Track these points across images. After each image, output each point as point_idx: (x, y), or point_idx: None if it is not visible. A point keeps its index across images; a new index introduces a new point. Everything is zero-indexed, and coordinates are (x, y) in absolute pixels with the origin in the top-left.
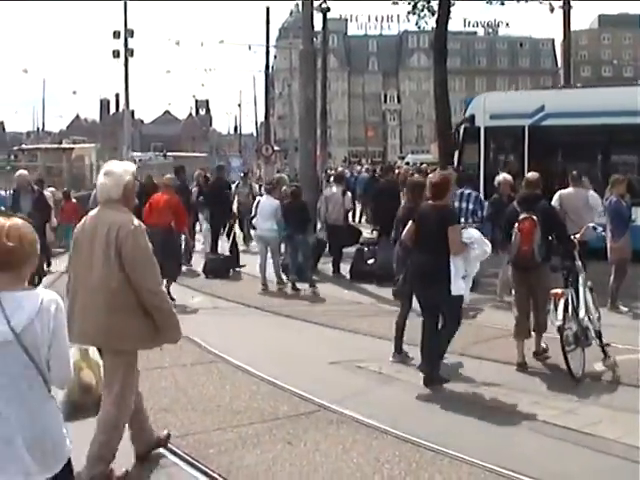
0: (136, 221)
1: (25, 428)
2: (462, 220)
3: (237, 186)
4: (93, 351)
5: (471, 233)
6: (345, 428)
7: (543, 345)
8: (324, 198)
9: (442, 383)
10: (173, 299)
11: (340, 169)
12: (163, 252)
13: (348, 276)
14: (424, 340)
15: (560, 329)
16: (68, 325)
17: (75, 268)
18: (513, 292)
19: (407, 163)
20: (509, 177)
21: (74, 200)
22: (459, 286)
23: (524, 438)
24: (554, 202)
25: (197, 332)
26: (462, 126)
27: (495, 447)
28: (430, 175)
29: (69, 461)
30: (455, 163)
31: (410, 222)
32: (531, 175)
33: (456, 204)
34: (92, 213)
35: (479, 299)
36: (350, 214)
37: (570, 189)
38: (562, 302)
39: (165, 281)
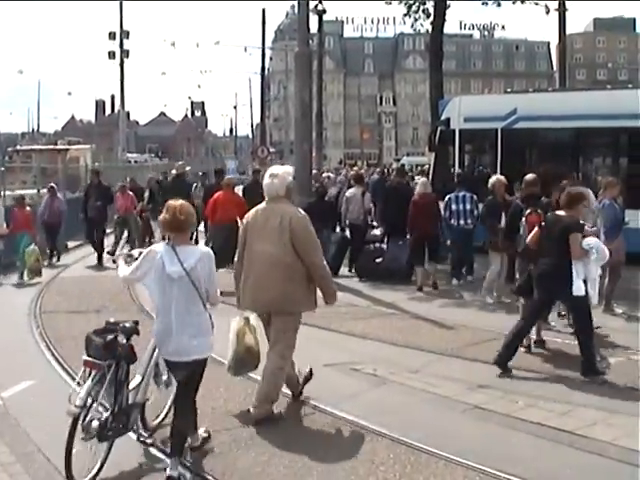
0: (302, 212)
1: (190, 326)
2: (461, 222)
3: (195, 188)
4: (255, 318)
5: (590, 241)
6: (339, 430)
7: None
8: (345, 199)
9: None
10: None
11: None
12: (228, 243)
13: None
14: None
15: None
16: (242, 296)
17: (248, 248)
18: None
19: (402, 165)
20: (503, 178)
21: (28, 208)
22: (579, 287)
23: (519, 440)
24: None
25: None
26: (438, 128)
27: (490, 449)
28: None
29: (206, 358)
30: (432, 165)
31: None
32: (530, 176)
33: (453, 206)
34: (261, 206)
35: (473, 301)
36: None
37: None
38: None
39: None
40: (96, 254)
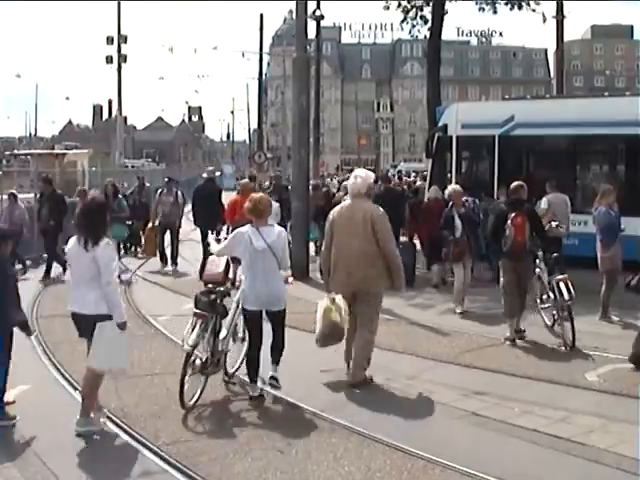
0: (380, 208)
1: (270, 286)
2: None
3: (160, 194)
4: (339, 299)
5: None
6: (336, 436)
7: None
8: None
9: None
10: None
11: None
12: None
13: None
14: None
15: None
16: (331, 279)
17: (337, 240)
18: (502, 280)
19: (399, 171)
20: (458, 188)
21: None
22: None
23: (515, 447)
24: (544, 203)
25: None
26: (435, 135)
27: (486, 456)
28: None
29: (285, 308)
30: (429, 171)
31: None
32: (516, 183)
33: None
34: (345, 203)
35: (470, 308)
36: None
37: (553, 194)
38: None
39: None
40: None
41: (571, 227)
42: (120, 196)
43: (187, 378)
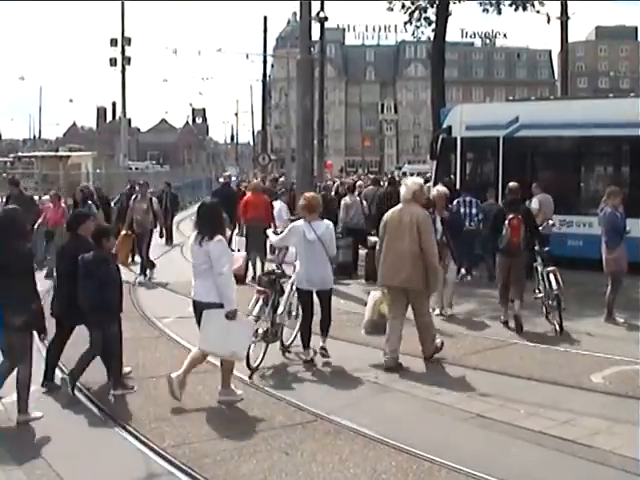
0: (426, 212)
1: (320, 270)
2: (467, 223)
3: (134, 200)
4: (386, 293)
5: None
6: (342, 438)
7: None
8: (344, 205)
9: None
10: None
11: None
12: (259, 237)
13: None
14: None
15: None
16: (380, 275)
17: (388, 239)
18: (497, 274)
19: (404, 173)
20: (444, 190)
21: None
22: None
23: (521, 449)
24: (535, 204)
25: (192, 341)
26: (440, 136)
27: (492, 458)
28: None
29: (331, 288)
30: (433, 172)
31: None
32: (513, 184)
33: (461, 209)
34: (397, 207)
35: (474, 310)
36: None
37: (541, 194)
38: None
39: (258, 258)
40: None
41: (576, 228)
42: (90, 202)
43: (252, 345)
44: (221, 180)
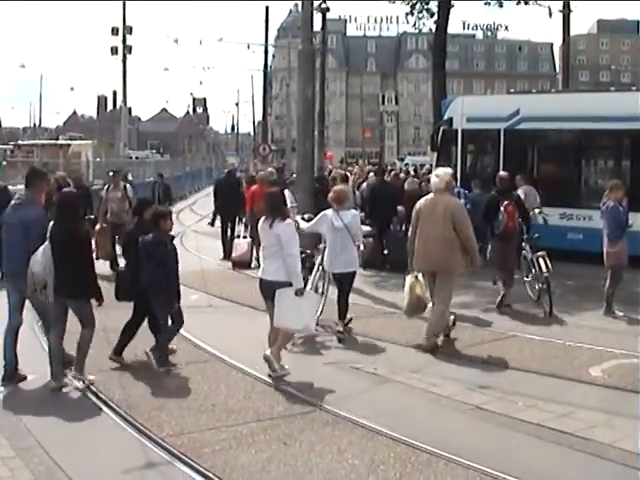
0: (458, 200)
1: (347, 254)
2: None
3: (107, 189)
4: (420, 277)
5: None
6: (340, 429)
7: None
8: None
9: None
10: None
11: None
12: None
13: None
14: None
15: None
16: (415, 260)
17: (421, 226)
18: (491, 256)
19: (406, 164)
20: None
21: None
22: None
23: (519, 441)
24: (521, 194)
25: (192, 331)
26: (440, 128)
27: (490, 450)
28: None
29: (355, 272)
30: (434, 164)
31: None
32: (503, 173)
33: None
34: (430, 196)
35: (473, 302)
36: None
37: (525, 186)
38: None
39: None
40: None
41: (576, 222)
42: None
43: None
44: (225, 170)
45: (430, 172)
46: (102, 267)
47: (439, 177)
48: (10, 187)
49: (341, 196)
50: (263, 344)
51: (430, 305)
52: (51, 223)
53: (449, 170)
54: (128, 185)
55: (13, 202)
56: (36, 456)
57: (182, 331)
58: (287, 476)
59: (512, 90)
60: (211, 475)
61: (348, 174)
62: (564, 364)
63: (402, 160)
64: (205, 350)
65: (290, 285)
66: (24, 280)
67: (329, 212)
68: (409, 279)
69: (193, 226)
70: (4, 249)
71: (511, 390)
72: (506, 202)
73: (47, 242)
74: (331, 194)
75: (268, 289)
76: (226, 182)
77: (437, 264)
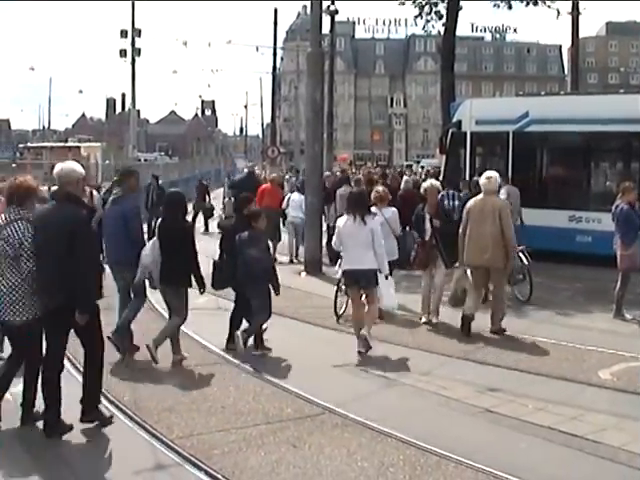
0: (505, 201)
1: (388, 244)
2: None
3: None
4: (467, 272)
5: None
6: (350, 431)
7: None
8: (339, 195)
9: None
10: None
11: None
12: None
13: None
14: None
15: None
16: (465, 255)
17: (472, 225)
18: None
19: (422, 167)
20: (437, 183)
21: None
22: None
23: (529, 444)
24: (503, 194)
25: (201, 333)
26: (449, 131)
27: (500, 453)
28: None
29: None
30: (442, 166)
31: None
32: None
33: (446, 202)
34: (479, 197)
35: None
36: None
37: (507, 186)
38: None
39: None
40: None
41: (585, 224)
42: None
43: (338, 299)
44: (245, 170)
45: (428, 173)
46: None
47: (489, 180)
48: None
49: (382, 195)
50: (273, 346)
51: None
52: (159, 220)
53: (494, 173)
54: (95, 192)
55: (111, 198)
56: (46, 456)
57: (191, 333)
58: (296, 478)
59: (521, 92)
60: (220, 477)
61: (374, 177)
62: (573, 367)
63: (418, 163)
64: (214, 352)
65: (378, 271)
66: (128, 268)
67: (374, 209)
68: (458, 272)
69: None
70: (107, 242)
71: (521, 393)
72: None
73: (155, 237)
74: (374, 194)
75: (362, 277)
76: (247, 182)
77: (488, 260)
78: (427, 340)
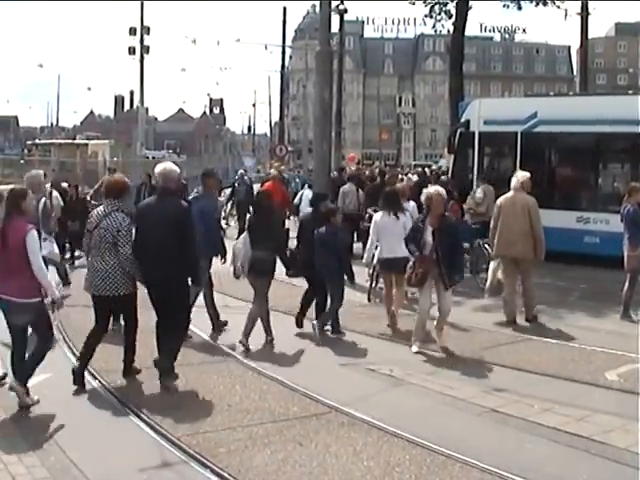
0: (533, 198)
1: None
2: None
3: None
4: (500, 261)
5: None
6: (356, 430)
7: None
8: (342, 193)
9: None
10: None
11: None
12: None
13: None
14: None
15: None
16: (497, 247)
17: (502, 220)
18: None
19: (440, 167)
20: (442, 191)
21: None
22: None
23: (535, 445)
24: (479, 193)
25: (207, 331)
26: (457, 130)
27: (506, 453)
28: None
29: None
30: (450, 167)
31: None
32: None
33: None
34: (509, 194)
35: (489, 305)
36: None
37: (484, 185)
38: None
39: None
40: None
41: (592, 225)
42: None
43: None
44: (272, 171)
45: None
46: None
47: (517, 178)
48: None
49: (404, 192)
50: (279, 344)
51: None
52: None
53: (527, 174)
54: (55, 192)
55: (192, 196)
56: (52, 454)
57: (198, 331)
58: (302, 477)
59: (529, 93)
60: (226, 475)
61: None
62: (580, 368)
63: (437, 162)
64: (220, 350)
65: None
66: (203, 257)
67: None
68: (492, 264)
69: None
70: None
71: (527, 393)
72: (452, 202)
73: (246, 233)
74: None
75: (395, 264)
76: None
77: (519, 252)
78: (433, 339)
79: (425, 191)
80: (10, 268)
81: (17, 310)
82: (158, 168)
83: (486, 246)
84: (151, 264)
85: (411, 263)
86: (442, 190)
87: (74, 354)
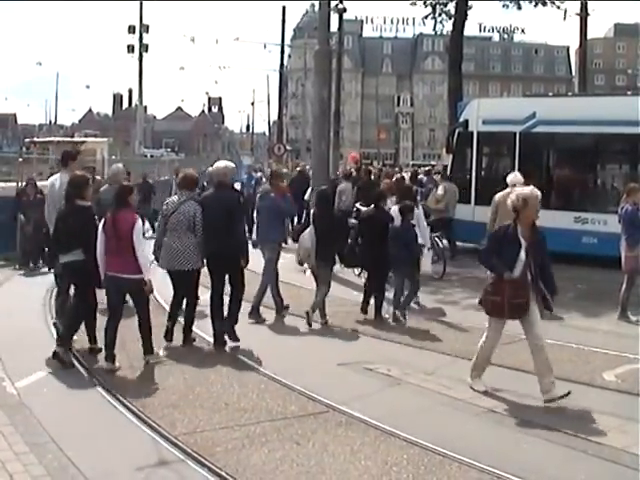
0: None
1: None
2: None
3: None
4: None
5: None
6: (354, 430)
7: None
8: (338, 191)
9: None
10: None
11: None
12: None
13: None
14: None
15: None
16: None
17: (500, 217)
18: None
19: (445, 167)
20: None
21: None
22: None
23: (532, 445)
24: (440, 190)
25: (206, 330)
26: (456, 130)
27: (503, 453)
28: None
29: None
30: (449, 166)
31: None
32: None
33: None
34: (507, 190)
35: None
36: None
37: (445, 182)
38: None
39: None
40: None
41: (590, 226)
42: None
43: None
44: (298, 169)
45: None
46: None
47: (515, 175)
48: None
49: (389, 188)
50: (278, 343)
51: None
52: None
53: (521, 178)
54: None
55: (259, 194)
56: (50, 452)
57: (195, 329)
58: (300, 476)
59: (528, 93)
60: (224, 474)
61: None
62: (578, 368)
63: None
64: (219, 349)
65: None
66: (267, 245)
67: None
68: None
69: None
70: (257, 225)
71: (525, 393)
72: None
73: (311, 226)
74: (383, 185)
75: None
76: (300, 181)
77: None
78: (431, 340)
79: (516, 191)
80: (120, 251)
81: (123, 284)
82: (219, 164)
83: (436, 239)
84: (214, 242)
85: (491, 285)
86: (538, 192)
87: (74, 354)
